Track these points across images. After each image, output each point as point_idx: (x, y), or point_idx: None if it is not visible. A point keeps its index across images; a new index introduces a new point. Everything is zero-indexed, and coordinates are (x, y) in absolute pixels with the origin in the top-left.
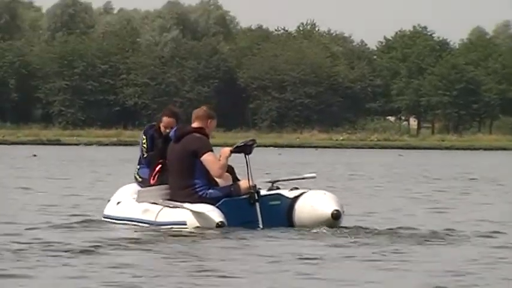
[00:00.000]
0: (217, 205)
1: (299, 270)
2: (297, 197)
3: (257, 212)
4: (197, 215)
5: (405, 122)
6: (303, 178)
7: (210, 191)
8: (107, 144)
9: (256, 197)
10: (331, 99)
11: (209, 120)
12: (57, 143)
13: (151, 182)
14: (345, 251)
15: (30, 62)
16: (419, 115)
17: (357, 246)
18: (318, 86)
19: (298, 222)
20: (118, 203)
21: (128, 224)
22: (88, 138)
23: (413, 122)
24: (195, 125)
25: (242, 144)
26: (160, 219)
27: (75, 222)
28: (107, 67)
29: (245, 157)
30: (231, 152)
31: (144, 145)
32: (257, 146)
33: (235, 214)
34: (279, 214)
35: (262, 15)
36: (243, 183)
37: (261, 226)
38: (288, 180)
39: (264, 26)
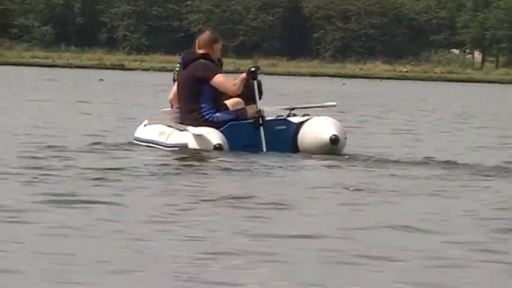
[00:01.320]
0: (221, 129)
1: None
2: (302, 123)
3: (261, 136)
4: (197, 137)
5: (469, 55)
6: (322, 106)
7: (217, 114)
8: (170, 70)
9: (261, 122)
10: (396, 30)
11: (214, 45)
12: (121, 67)
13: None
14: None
15: None
16: (483, 48)
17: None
18: (382, 16)
19: (301, 147)
20: (145, 125)
21: (146, 145)
22: (151, 64)
23: (477, 56)
24: (200, 51)
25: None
26: (169, 141)
27: (109, 144)
28: None
29: (253, 82)
30: (247, 76)
31: (177, 69)
32: (321, 76)
33: (239, 138)
34: (285, 139)
35: None
36: (250, 108)
37: (264, 150)
38: (306, 107)
39: None
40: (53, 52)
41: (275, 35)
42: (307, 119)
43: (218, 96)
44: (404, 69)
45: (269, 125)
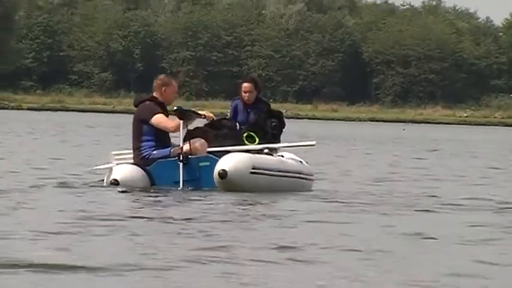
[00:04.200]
0: (151, 166)
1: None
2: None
3: (179, 173)
4: (109, 172)
5: None
6: (302, 145)
7: (154, 152)
8: None
9: (181, 158)
10: (456, 75)
11: (163, 88)
12: None
13: None
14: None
15: (155, 32)
16: None
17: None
18: (442, 61)
19: None
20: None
21: None
22: (211, 109)
23: None
24: (153, 94)
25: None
26: None
27: None
28: (232, 38)
29: (181, 123)
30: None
31: (228, 114)
32: (381, 121)
33: (165, 175)
34: (208, 175)
35: None
36: (178, 147)
37: (180, 186)
38: (285, 146)
39: (390, 1)
40: (113, 98)
41: (335, 80)
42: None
43: (160, 136)
44: (465, 114)
45: (193, 161)
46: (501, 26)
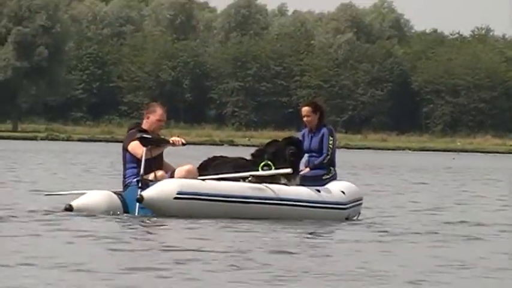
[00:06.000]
0: (124, 192)
1: None
2: None
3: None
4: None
5: None
6: (277, 174)
7: (134, 180)
8: None
9: (140, 185)
10: (506, 104)
11: (148, 116)
12: (230, 143)
13: None
14: None
15: (204, 63)
16: None
17: None
18: (492, 90)
19: None
20: None
21: None
22: (260, 140)
23: None
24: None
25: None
26: None
27: None
28: (281, 69)
29: (144, 150)
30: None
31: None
32: (431, 150)
33: (133, 200)
34: None
35: (436, 18)
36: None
37: (136, 213)
38: (262, 175)
39: (439, 30)
40: (163, 128)
41: (384, 109)
42: None
43: (141, 162)
44: None
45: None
46: None
